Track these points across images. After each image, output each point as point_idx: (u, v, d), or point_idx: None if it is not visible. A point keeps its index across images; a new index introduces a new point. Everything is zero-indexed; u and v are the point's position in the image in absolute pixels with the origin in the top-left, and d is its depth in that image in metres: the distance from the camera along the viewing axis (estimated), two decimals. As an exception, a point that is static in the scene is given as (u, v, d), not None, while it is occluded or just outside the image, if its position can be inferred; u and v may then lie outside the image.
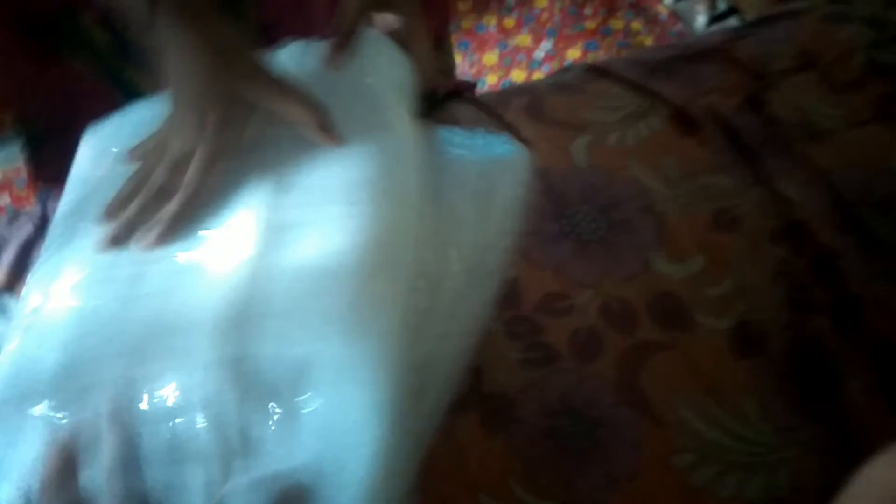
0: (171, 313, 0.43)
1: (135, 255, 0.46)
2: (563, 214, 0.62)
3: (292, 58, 0.54)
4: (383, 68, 0.55)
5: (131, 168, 0.51)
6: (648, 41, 1.81)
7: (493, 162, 0.56)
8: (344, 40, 0.52)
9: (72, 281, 0.46)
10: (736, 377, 0.52)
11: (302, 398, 0.39)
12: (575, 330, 0.55)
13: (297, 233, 0.44)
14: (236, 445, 0.39)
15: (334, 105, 0.49)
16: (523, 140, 0.66)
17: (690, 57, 0.74)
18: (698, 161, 0.65)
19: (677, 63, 0.73)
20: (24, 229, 0.66)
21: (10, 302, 0.55)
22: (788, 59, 0.72)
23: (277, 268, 0.43)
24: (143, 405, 0.40)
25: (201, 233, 0.47)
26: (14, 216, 0.69)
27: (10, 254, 0.64)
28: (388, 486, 0.40)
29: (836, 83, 0.70)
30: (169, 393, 0.40)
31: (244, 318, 0.41)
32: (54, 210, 0.64)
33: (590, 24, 1.85)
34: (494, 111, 0.68)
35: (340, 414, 0.40)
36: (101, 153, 0.56)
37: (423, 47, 0.56)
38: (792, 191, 0.61)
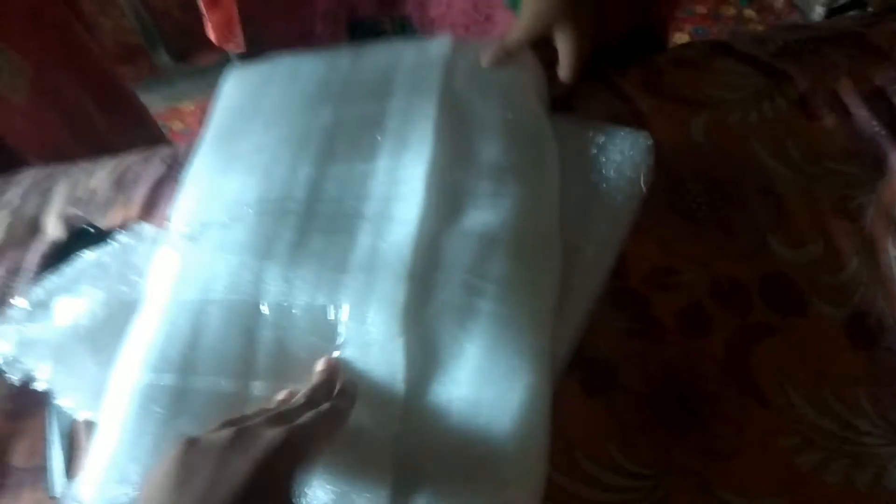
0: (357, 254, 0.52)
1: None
2: (676, 189, 0.61)
3: (444, 47, 0.62)
4: (518, 71, 0.62)
5: (274, 121, 0.60)
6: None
7: (617, 149, 0.60)
8: (503, 57, 0.61)
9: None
10: (850, 367, 0.51)
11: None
12: (683, 305, 0.55)
13: (464, 201, 0.54)
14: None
15: (477, 102, 0.59)
16: (639, 112, 0.66)
17: (822, 39, 0.71)
18: (824, 146, 0.62)
19: (807, 45, 0.70)
20: (157, 168, 0.71)
21: (144, 230, 0.59)
22: (931, 47, 0.68)
23: (454, 231, 0.52)
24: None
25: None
26: (146, 158, 0.74)
27: (143, 189, 0.69)
28: (537, 433, 0.45)
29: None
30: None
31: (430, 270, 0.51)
32: (180, 156, 0.69)
33: (700, 9, 1.79)
34: (613, 82, 0.68)
35: (499, 357, 0.46)
36: (247, 98, 0.62)
37: (577, 64, 0.62)
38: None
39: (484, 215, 0.53)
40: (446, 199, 0.54)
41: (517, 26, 0.60)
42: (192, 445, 0.37)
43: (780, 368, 0.51)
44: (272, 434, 0.37)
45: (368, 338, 0.48)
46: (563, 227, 0.56)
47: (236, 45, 0.83)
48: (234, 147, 0.60)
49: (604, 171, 0.59)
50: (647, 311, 0.55)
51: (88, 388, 0.53)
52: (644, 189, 0.58)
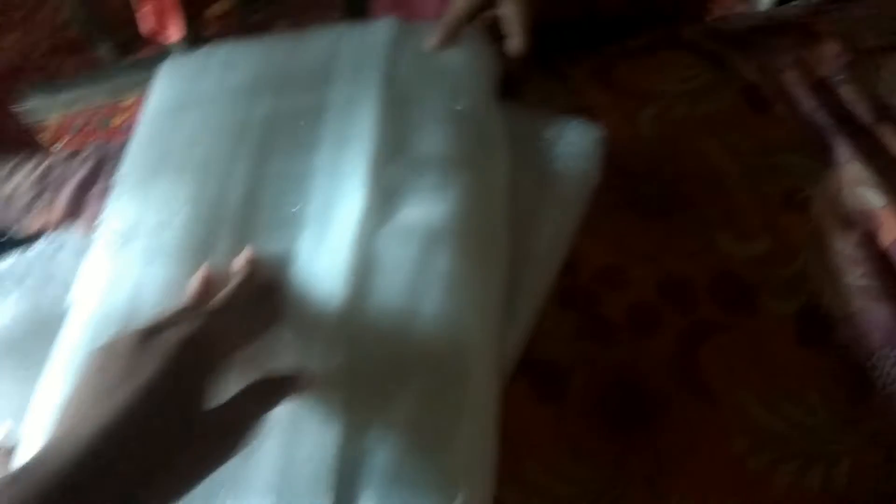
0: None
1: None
2: (627, 185, 0.60)
3: (388, 32, 0.59)
4: (466, 56, 0.59)
5: (208, 114, 0.56)
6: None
7: (568, 141, 0.59)
8: (447, 38, 0.57)
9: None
10: (798, 365, 0.50)
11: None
12: (632, 303, 0.54)
13: (404, 197, 0.50)
14: None
15: (422, 90, 0.56)
16: (589, 106, 0.64)
17: (769, 29, 0.70)
18: (771, 139, 0.62)
19: (754, 36, 0.70)
20: (82, 168, 0.67)
21: (67, 237, 0.55)
22: (874, 37, 0.68)
23: (391, 227, 0.49)
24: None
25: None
26: (71, 157, 0.69)
27: (67, 191, 0.65)
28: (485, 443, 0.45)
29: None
30: None
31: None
32: (110, 155, 0.65)
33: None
34: (563, 73, 0.66)
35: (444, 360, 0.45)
36: (181, 91, 0.58)
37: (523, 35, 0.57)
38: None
39: (427, 210, 0.50)
40: (388, 195, 0.51)
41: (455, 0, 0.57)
42: (102, 350, 0.36)
43: (730, 368, 0.50)
44: (181, 329, 0.36)
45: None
46: (512, 220, 0.55)
47: (171, 35, 0.79)
48: (167, 143, 0.56)
49: (554, 164, 0.57)
50: (597, 310, 0.54)
51: (7, 405, 0.50)
52: (594, 181, 0.56)
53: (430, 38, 0.57)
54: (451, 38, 0.57)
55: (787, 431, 0.48)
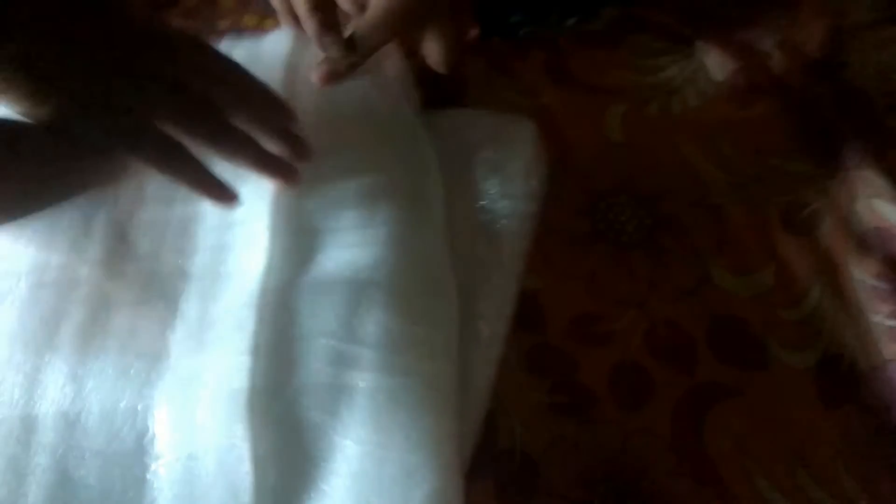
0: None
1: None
2: (596, 207, 0.49)
3: (278, 46, 0.46)
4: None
5: None
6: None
7: (501, 148, 0.47)
8: (334, 79, 0.42)
9: None
10: (824, 434, 0.41)
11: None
12: (616, 365, 0.43)
13: (324, 239, 0.40)
14: None
15: (331, 109, 0.44)
16: (544, 107, 0.52)
17: (747, 3, 0.59)
18: (762, 140, 0.52)
19: (730, 12, 0.59)
20: None
21: None
22: (866, 9, 0.58)
23: (312, 282, 0.38)
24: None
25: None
26: None
27: None
28: None
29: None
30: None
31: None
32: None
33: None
34: (512, 69, 0.54)
35: (387, 454, 0.34)
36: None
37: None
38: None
39: (350, 254, 0.39)
40: (299, 239, 0.40)
41: (359, 25, 0.41)
42: None
43: (741, 444, 0.40)
44: None
45: (198, 447, 0.34)
46: (455, 260, 0.43)
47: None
48: None
49: (489, 181, 0.46)
50: (572, 376, 0.43)
51: None
52: (541, 187, 0.46)
53: (315, 71, 0.41)
54: (339, 80, 0.42)
55: (818, 528, 0.38)
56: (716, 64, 0.54)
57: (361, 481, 0.34)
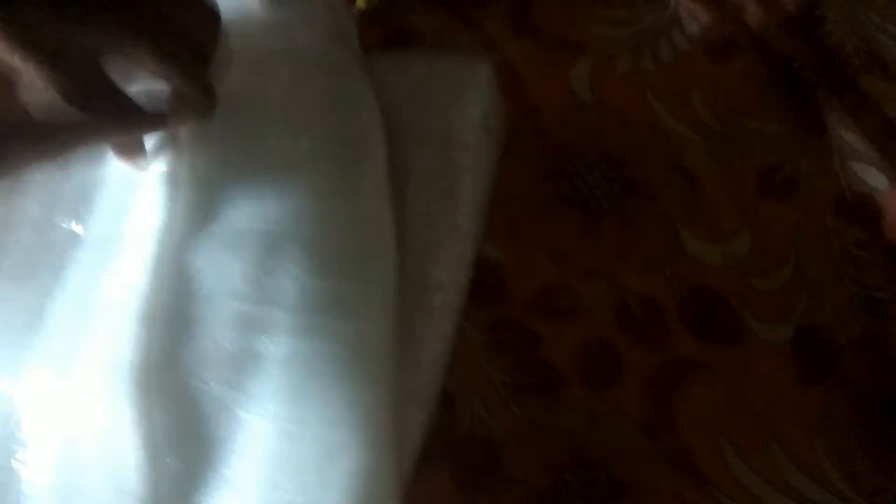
0: None
1: None
2: (563, 170, 0.45)
3: None
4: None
5: None
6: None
7: (453, 92, 0.41)
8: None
9: None
10: (803, 410, 0.38)
11: None
12: (583, 341, 0.40)
13: (233, 190, 0.33)
14: None
15: (253, 50, 0.36)
16: (508, 63, 0.48)
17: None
18: (738, 99, 0.48)
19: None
20: None
21: None
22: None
23: (218, 237, 0.32)
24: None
25: None
26: None
27: None
28: None
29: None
30: None
31: None
32: None
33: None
34: (472, 20, 0.50)
35: (304, 431, 0.30)
36: None
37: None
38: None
39: (263, 205, 0.33)
40: (205, 192, 0.34)
41: None
42: None
43: (716, 426, 0.38)
44: None
45: (76, 431, 0.30)
46: (400, 215, 0.38)
47: None
48: None
49: (440, 129, 0.40)
50: (536, 354, 0.40)
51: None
52: (499, 138, 0.41)
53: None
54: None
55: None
56: (689, 14, 0.51)
57: (271, 463, 0.29)
